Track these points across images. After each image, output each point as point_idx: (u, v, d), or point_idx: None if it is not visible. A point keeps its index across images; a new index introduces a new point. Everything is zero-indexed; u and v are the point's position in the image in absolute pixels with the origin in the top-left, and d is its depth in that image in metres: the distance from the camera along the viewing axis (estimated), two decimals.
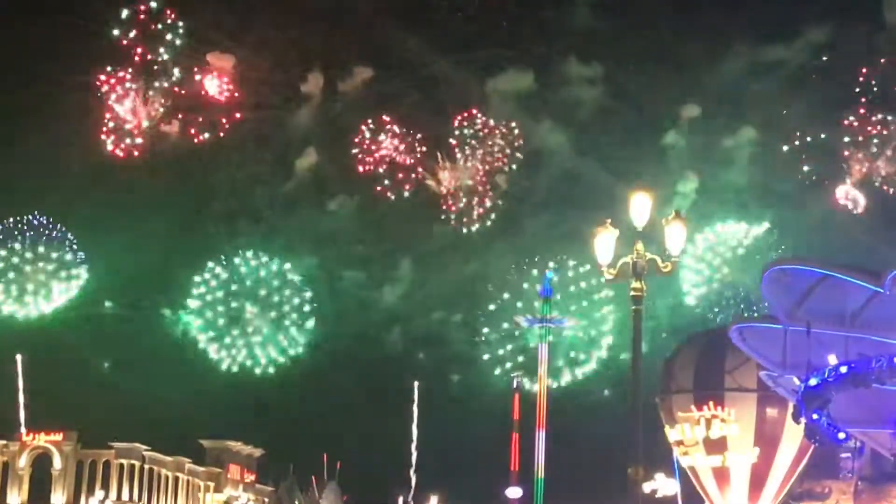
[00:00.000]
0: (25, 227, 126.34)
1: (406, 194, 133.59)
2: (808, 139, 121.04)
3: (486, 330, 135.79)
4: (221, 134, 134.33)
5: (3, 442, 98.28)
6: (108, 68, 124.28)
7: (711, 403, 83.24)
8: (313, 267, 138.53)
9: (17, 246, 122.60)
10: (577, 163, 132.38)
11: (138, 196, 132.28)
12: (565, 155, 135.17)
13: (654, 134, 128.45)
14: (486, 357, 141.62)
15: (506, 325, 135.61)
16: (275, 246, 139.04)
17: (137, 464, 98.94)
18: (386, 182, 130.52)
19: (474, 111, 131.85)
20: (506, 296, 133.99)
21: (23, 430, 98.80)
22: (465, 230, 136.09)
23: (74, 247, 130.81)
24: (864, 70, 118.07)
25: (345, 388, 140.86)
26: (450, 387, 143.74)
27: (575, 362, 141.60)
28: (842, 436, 48.81)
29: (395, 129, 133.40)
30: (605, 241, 24.24)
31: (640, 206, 24.00)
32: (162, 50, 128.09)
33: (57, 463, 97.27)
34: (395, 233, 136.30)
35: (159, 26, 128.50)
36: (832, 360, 43.04)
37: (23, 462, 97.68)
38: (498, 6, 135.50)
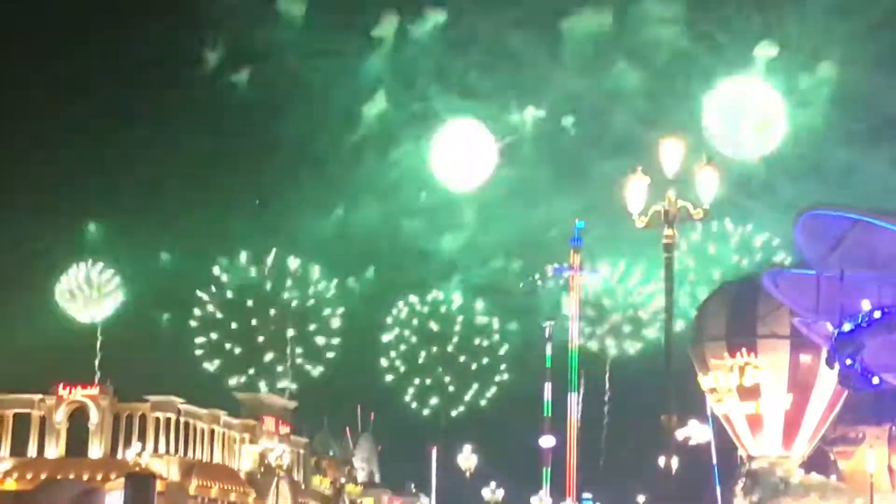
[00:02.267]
0: None
1: None
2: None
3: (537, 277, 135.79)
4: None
5: (40, 396, 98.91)
6: None
7: (744, 350, 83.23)
8: (374, 217, 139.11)
9: None
10: (651, 106, 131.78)
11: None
12: (640, 97, 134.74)
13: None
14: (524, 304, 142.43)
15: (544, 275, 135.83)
16: (336, 196, 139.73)
17: (173, 416, 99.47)
18: None
19: None
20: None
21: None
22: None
23: None
24: None
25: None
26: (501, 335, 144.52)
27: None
28: (876, 381, 48.73)
29: None
30: (636, 189, 24.18)
31: (670, 152, 23.91)
32: None
33: (93, 417, 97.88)
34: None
35: None
36: (866, 305, 42.97)
37: (59, 416, 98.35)
38: None
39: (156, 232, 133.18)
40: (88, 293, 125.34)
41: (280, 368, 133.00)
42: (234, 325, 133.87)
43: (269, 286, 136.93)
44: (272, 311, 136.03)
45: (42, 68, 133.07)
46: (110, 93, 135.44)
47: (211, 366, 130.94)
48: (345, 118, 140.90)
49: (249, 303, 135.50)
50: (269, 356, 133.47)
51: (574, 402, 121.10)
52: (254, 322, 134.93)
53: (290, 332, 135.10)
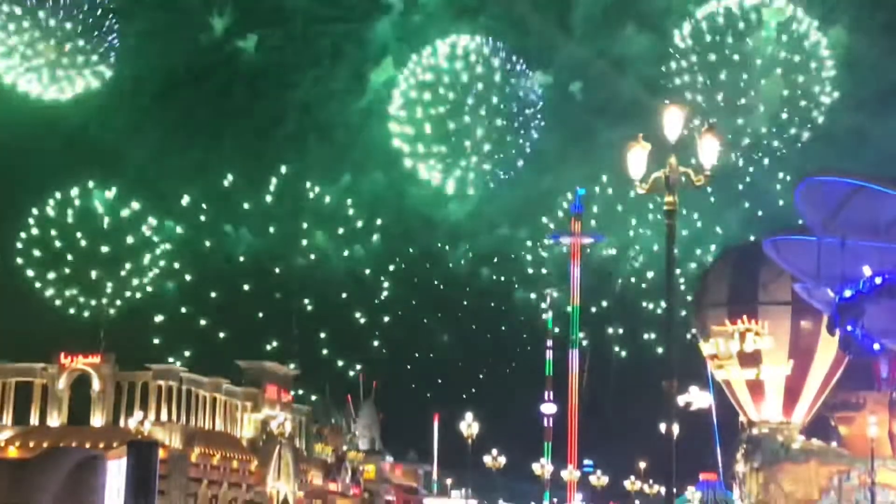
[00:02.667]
0: None
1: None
2: None
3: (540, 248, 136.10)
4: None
5: (42, 365, 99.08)
6: None
7: (745, 317, 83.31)
8: (380, 183, 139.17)
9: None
10: (656, 72, 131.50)
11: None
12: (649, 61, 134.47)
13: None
14: (529, 271, 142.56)
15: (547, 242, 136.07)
16: (344, 164, 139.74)
17: (175, 385, 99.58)
18: None
19: None
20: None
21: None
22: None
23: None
24: None
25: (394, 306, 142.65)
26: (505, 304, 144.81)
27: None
28: (877, 347, 48.89)
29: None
30: (637, 156, 24.18)
31: (673, 119, 23.89)
32: None
33: (95, 385, 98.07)
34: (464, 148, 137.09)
35: None
36: (866, 271, 43.05)
37: (61, 384, 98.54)
38: None
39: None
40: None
41: None
42: None
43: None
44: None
45: None
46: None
47: None
48: (354, 83, 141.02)
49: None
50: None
51: (574, 360, 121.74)
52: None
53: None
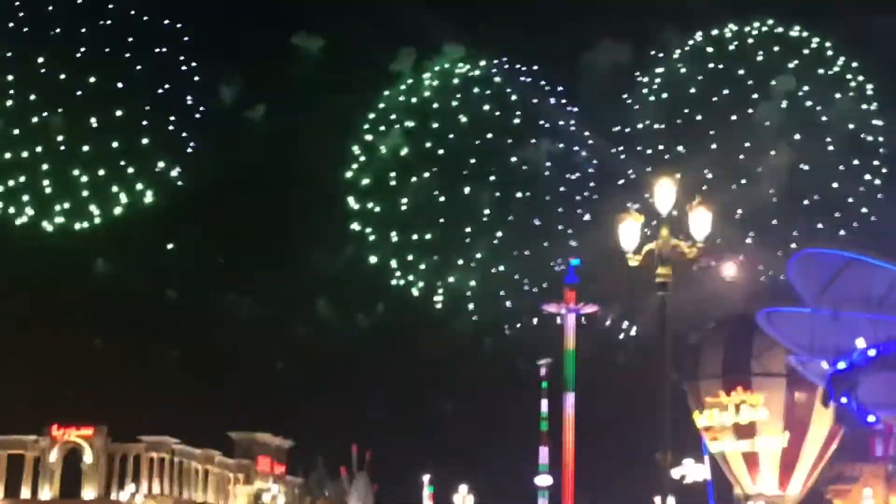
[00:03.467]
0: None
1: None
2: None
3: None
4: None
5: (34, 437, 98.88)
6: None
7: (740, 388, 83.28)
8: (388, 253, 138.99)
9: None
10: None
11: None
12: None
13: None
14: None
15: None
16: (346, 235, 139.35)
17: (167, 457, 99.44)
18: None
19: None
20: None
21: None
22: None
23: None
24: None
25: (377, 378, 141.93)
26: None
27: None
28: (871, 419, 48.74)
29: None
30: (629, 228, 24.29)
31: (665, 191, 24.02)
32: None
33: (87, 457, 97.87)
34: (459, 226, 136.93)
35: None
36: (860, 343, 43.01)
37: (53, 457, 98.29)
38: None
39: None
40: None
41: None
42: None
43: None
44: None
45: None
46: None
47: None
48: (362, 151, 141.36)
49: None
50: None
51: (569, 405, 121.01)
52: None
53: None
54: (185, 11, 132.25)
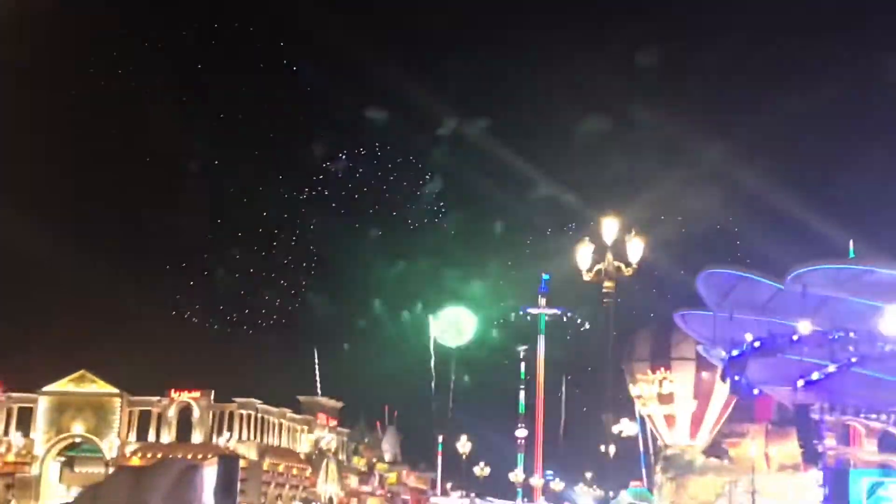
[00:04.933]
0: None
1: None
2: None
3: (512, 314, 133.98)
4: None
5: (157, 398, 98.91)
6: None
7: (662, 368, 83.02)
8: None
9: None
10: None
11: None
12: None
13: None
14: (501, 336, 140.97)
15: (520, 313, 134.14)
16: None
17: (253, 413, 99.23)
18: None
19: None
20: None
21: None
22: None
23: None
24: None
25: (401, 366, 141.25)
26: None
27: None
28: (756, 392, 48.70)
29: None
30: (584, 253, 24.29)
31: (609, 226, 24.04)
32: None
33: (195, 413, 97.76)
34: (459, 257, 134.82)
35: None
36: (748, 337, 42.97)
37: (171, 413, 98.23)
38: None
39: None
40: None
41: None
42: None
43: None
44: None
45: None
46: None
47: None
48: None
49: None
50: None
51: (541, 348, 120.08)
52: None
53: None
54: None
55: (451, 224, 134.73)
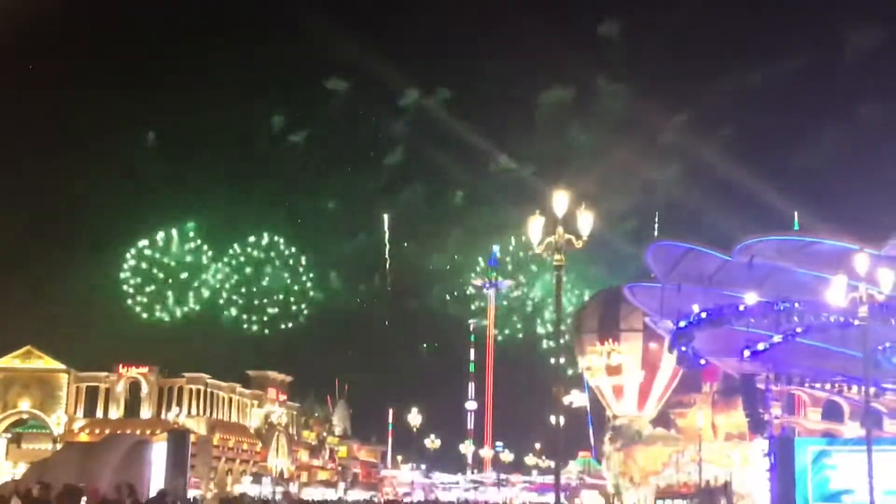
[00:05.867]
0: None
1: None
2: None
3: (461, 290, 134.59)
4: None
5: (106, 373, 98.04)
6: None
7: (611, 340, 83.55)
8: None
9: None
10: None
11: None
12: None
13: None
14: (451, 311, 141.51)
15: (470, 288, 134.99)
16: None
17: (202, 388, 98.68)
18: None
19: None
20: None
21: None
22: None
23: None
24: None
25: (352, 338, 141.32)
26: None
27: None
28: (703, 362, 49.19)
29: None
30: (535, 226, 24.28)
31: (559, 199, 24.02)
32: None
33: (144, 388, 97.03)
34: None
35: None
36: (695, 308, 43.32)
37: (119, 388, 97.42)
38: None
39: None
40: None
41: None
42: None
43: None
44: None
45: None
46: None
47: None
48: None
49: None
50: None
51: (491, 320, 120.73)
52: None
53: None
54: None
55: (409, 196, 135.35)
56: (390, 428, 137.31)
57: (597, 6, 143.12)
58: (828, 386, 51.76)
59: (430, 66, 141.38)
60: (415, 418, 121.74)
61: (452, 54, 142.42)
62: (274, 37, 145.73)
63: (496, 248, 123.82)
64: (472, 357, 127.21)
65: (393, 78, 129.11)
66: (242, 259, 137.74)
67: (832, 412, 60.53)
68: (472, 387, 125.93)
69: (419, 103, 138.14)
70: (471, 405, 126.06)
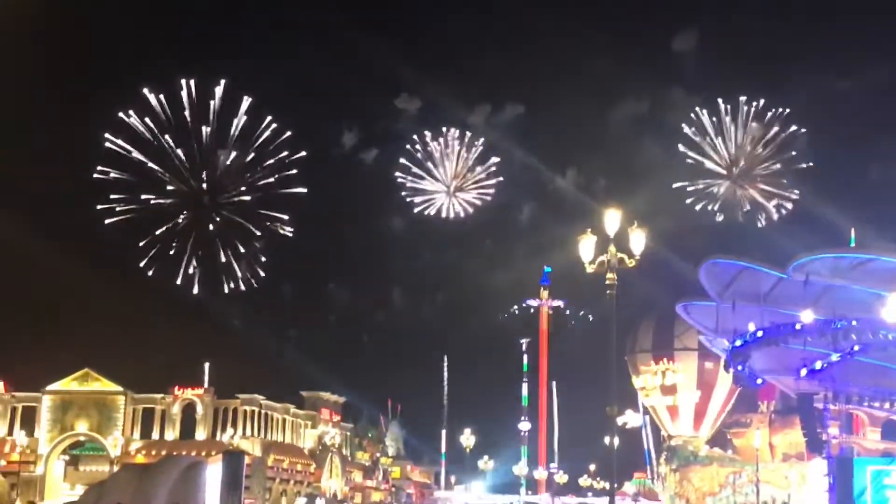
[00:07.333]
0: None
1: None
2: None
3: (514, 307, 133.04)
4: None
5: (161, 395, 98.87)
6: None
7: (665, 359, 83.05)
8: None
9: None
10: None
11: None
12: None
13: None
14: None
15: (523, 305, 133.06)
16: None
17: (256, 409, 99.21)
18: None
19: None
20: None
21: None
22: None
23: None
24: None
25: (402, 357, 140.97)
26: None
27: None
28: (759, 381, 48.70)
29: None
30: (587, 245, 24.24)
31: (611, 218, 23.99)
32: None
33: (199, 410, 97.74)
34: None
35: None
36: (751, 327, 42.96)
37: (175, 409, 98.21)
38: None
39: None
40: None
41: None
42: None
43: None
44: None
45: None
46: None
47: None
48: None
49: None
50: None
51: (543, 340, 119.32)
52: None
53: None
54: None
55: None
56: (443, 448, 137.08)
57: (669, 17, 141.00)
58: (887, 405, 51.00)
59: (499, 82, 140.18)
60: (468, 439, 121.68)
61: (524, 71, 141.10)
62: (341, 54, 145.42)
63: (547, 268, 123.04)
64: (524, 378, 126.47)
65: (463, 94, 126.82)
66: None
67: (892, 431, 59.54)
68: (524, 411, 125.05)
69: (489, 120, 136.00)
70: (524, 426, 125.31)
